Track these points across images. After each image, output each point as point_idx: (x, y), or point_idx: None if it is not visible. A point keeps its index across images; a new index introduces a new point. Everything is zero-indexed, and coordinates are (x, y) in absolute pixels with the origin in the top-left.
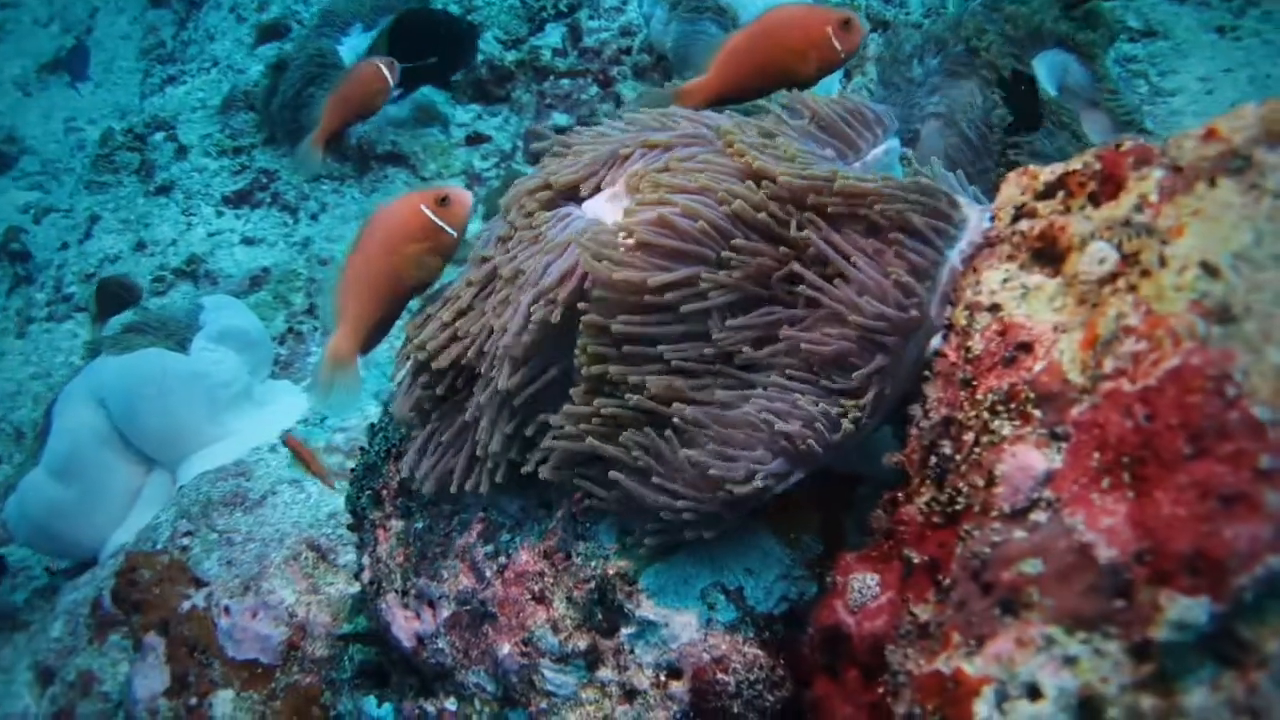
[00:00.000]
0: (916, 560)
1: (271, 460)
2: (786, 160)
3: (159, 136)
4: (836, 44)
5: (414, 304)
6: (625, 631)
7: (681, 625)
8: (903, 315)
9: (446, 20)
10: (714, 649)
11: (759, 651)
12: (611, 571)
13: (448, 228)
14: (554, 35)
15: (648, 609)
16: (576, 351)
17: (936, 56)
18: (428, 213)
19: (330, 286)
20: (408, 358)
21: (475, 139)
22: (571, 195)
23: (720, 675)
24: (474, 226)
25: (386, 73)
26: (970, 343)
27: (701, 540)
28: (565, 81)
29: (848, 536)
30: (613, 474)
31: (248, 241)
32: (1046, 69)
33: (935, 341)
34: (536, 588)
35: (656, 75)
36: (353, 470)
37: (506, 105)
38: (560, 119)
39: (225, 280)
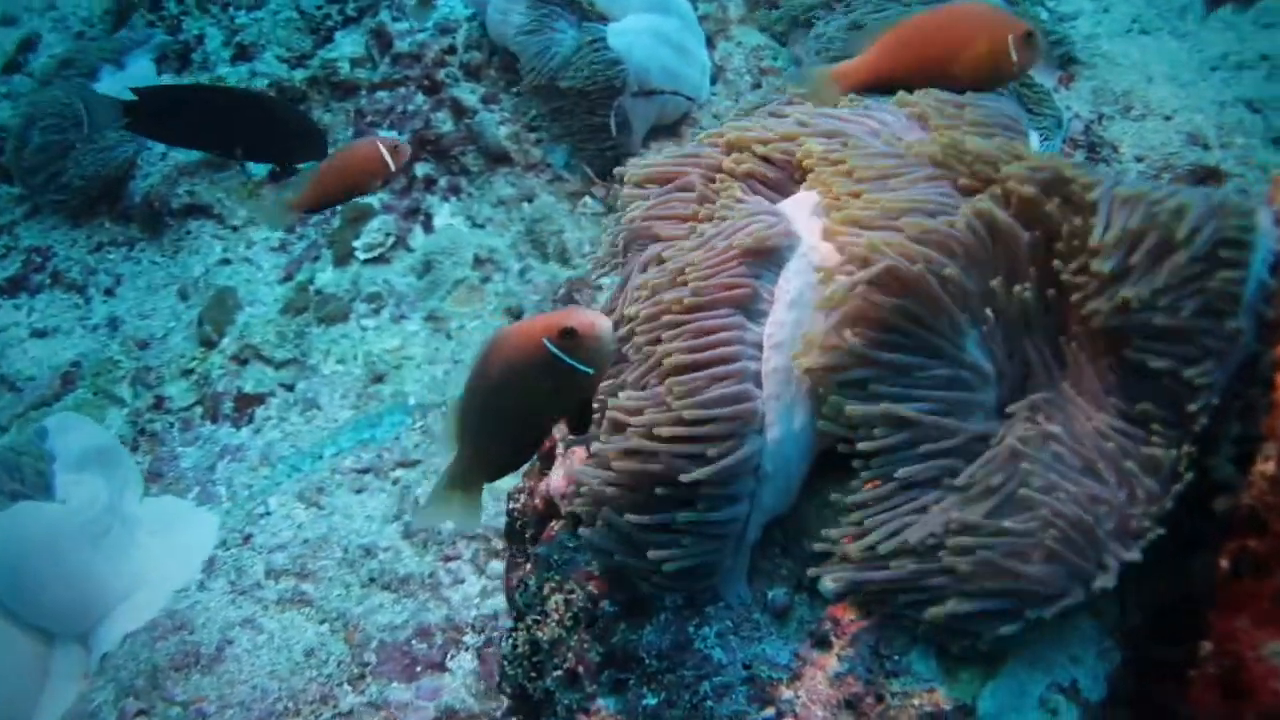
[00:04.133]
0: None
1: (209, 601)
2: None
3: None
4: (1014, 56)
5: None
6: None
7: None
8: (1222, 339)
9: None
10: None
11: None
12: (947, 706)
13: (582, 366)
14: (347, 45)
15: None
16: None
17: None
18: (554, 350)
19: (453, 406)
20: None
21: (281, 173)
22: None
23: None
24: None
25: (388, 157)
26: None
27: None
28: (383, 94)
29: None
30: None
31: (39, 334)
32: None
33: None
34: None
35: (493, 73)
36: (513, 642)
37: None
38: (390, 136)
39: (28, 384)
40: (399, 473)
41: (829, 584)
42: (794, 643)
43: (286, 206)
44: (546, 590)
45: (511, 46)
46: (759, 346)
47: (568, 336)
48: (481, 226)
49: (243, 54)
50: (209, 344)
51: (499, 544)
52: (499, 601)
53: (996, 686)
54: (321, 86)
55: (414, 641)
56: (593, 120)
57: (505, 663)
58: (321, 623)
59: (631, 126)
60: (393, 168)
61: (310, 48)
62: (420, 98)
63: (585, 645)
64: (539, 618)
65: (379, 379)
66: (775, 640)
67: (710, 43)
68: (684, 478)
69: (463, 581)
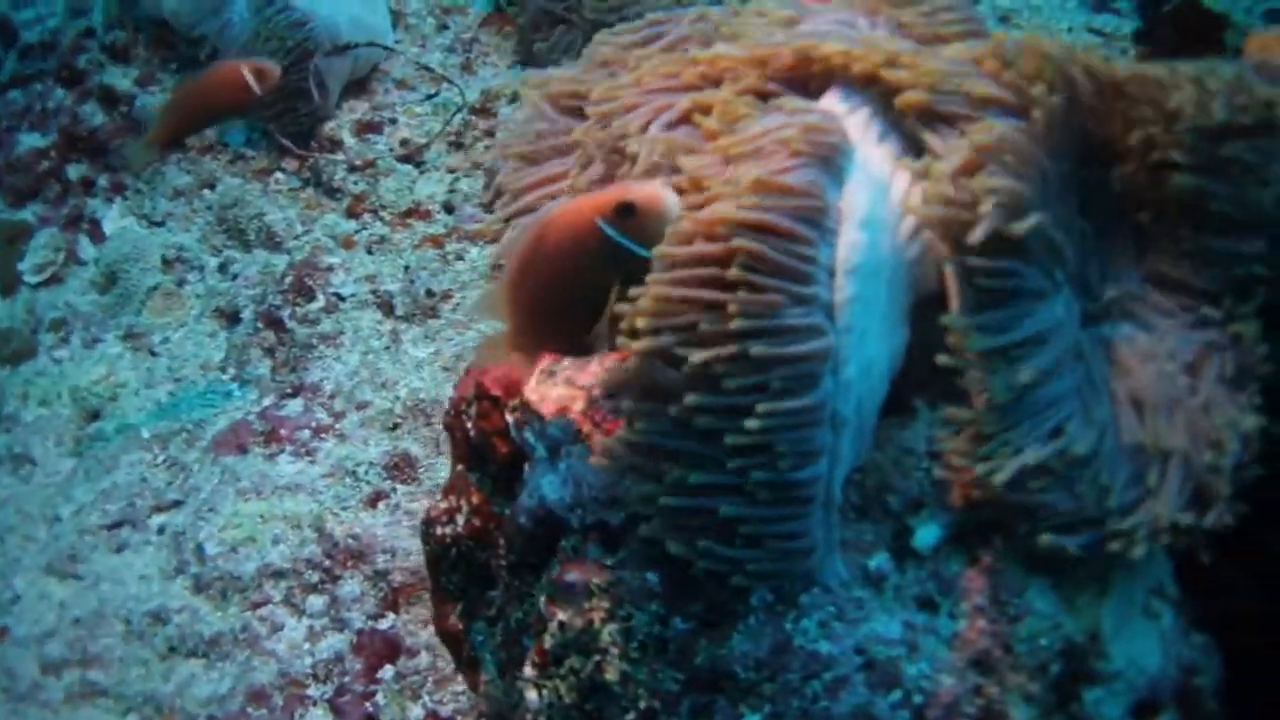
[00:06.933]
0: None
1: None
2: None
3: None
4: None
5: None
6: (1089, 695)
7: (1144, 652)
8: None
9: None
10: (1180, 659)
11: (1202, 638)
12: (1078, 638)
13: (636, 248)
14: None
15: (1113, 658)
16: None
17: None
18: (608, 231)
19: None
20: None
21: None
22: None
23: (1196, 681)
24: None
25: (252, 80)
26: None
27: None
28: (16, 94)
29: None
30: None
31: None
32: None
33: None
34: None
35: (144, 51)
36: (553, 695)
37: None
38: (32, 140)
39: None
40: (160, 519)
41: (928, 536)
42: (900, 613)
43: (148, 146)
44: (597, 622)
45: (170, 20)
46: (831, 272)
47: (625, 214)
48: (161, 224)
49: None
50: None
51: (314, 577)
52: (336, 641)
53: (1113, 604)
54: None
55: (250, 709)
56: (287, 88)
57: None
58: (126, 713)
59: (328, 87)
60: (257, 92)
61: None
62: (61, 92)
63: (659, 675)
64: (598, 657)
65: (95, 415)
66: (881, 616)
67: None
68: (748, 424)
69: (282, 628)
